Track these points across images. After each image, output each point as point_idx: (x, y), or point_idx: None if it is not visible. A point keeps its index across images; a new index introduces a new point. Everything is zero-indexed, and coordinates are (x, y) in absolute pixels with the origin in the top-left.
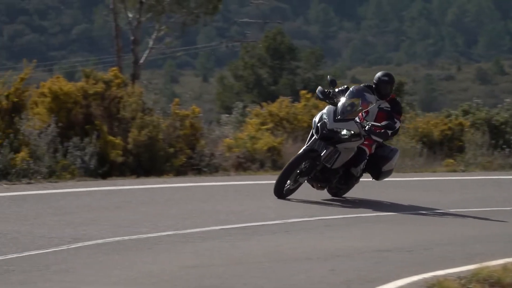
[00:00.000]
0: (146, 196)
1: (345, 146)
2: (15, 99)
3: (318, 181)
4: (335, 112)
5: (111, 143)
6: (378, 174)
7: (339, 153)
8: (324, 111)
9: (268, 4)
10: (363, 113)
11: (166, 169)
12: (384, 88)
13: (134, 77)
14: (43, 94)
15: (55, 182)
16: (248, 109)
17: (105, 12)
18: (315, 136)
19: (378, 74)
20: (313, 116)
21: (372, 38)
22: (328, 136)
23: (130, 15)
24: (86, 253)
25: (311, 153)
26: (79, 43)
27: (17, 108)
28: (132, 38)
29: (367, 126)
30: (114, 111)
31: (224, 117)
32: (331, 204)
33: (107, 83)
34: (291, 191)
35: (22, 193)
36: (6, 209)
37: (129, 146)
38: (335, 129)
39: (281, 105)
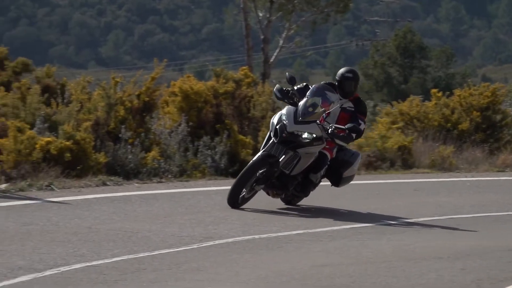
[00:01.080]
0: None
1: (306, 151)
2: (146, 99)
3: (274, 189)
4: (295, 113)
5: (241, 142)
6: (338, 180)
7: (299, 158)
8: (283, 111)
9: (398, 2)
10: (324, 114)
11: None
12: (348, 86)
13: (264, 76)
14: (173, 93)
15: (186, 181)
16: (378, 108)
17: (235, 12)
18: (273, 140)
19: (341, 70)
20: (444, 115)
21: (503, 36)
22: (288, 140)
23: (260, 14)
24: (217, 251)
25: (268, 158)
26: (209, 42)
27: (148, 107)
28: (262, 37)
29: (330, 129)
30: (244, 110)
31: None
32: (460, 204)
33: (237, 82)
34: (246, 199)
35: (153, 192)
36: (137, 207)
37: (259, 146)
38: (295, 132)
39: (412, 104)
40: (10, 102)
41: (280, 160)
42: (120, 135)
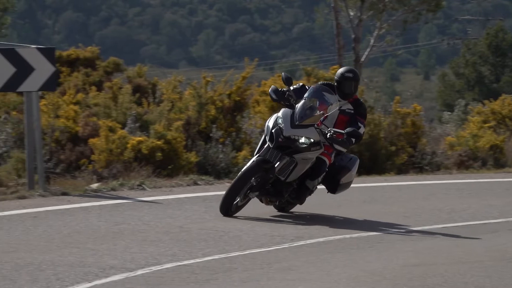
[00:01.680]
0: (367, 195)
1: (303, 157)
2: (237, 98)
3: (268, 195)
4: (292, 116)
5: None
6: (335, 187)
7: (295, 164)
8: (279, 114)
9: (490, 0)
10: (322, 117)
11: (387, 168)
12: (348, 87)
13: None
14: (264, 93)
15: None
16: (469, 107)
17: (326, 11)
18: (268, 144)
19: (341, 70)
20: None
21: None
22: (284, 145)
23: (351, 13)
24: (308, 251)
25: (263, 164)
26: (300, 41)
27: (239, 106)
28: (353, 36)
29: (329, 133)
30: None
31: (446, 115)
32: None
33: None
34: (239, 207)
35: None
36: None
37: None
38: (292, 137)
39: (504, 103)
40: (101, 102)
41: (275, 166)
42: (211, 135)
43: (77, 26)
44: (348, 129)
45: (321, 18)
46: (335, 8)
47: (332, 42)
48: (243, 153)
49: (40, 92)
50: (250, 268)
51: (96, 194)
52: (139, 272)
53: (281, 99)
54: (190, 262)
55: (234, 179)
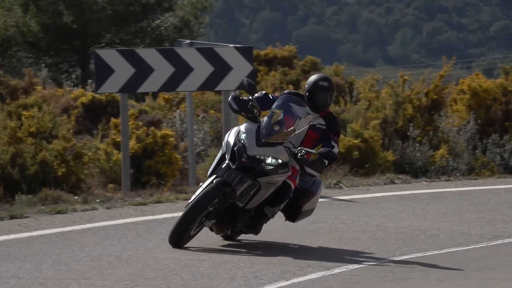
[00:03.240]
0: None
1: (268, 180)
2: (434, 96)
3: (221, 224)
4: (257, 132)
5: None
6: (296, 214)
7: (258, 188)
8: (242, 128)
9: None
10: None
11: None
12: (322, 98)
13: None
14: (462, 91)
15: (474, 179)
16: None
17: None
18: (227, 163)
19: (313, 77)
20: None
21: None
22: (248, 166)
23: None
24: (506, 250)
25: (224, 187)
26: (497, 39)
27: (436, 105)
28: None
29: (299, 153)
30: None
31: None
32: None
33: None
34: (191, 237)
35: (441, 190)
36: (425, 206)
37: None
38: (257, 157)
39: None
40: None
41: (236, 189)
42: (408, 133)
43: (274, 25)
44: (322, 149)
45: None
46: None
47: None
48: (441, 151)
49: (237, 91)
50: (447, 267)
51: None
52: (336, 270)
53: (243, 109)
54: (387, 260)
55: (188, 205)
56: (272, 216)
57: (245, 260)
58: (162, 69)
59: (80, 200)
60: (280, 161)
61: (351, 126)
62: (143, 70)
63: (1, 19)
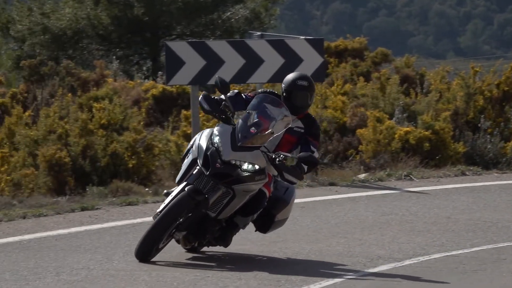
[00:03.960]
0: None
1: (244, 188)
2: (506, 88)
3: (189, 235)
4: (232, 135)
5: None
6: (269, 225)
7: (232, 196)
8: (215, 131)
9: None
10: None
11: None
12: (301, 98)
13: None
14: None
15: None
16: None
17: None
18: (198, 169)
19: (291, 76)
20: None
21: None
22: (223, 172)
23: None
24: None
25: (196, 195)
26: None
27: (507, 96)
28: None
29: (278, 158)
30: None
31: None
32: None
33: None
34: (159, 250)
35: None
36: (496, 197)
37: None
38: (233, 162)
39: None
40: (369, 92)
41: (209, 199)
42: (479, 125)
43: (345, 17)
44: (302, 154)
45: None
46: None
47: None
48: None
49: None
50: None
51: (364, 185)
52: (407, 262)
53: (215, 110)
54: (458, 252)
55: (157, 216)
56: (244, 227)
57: (315, 251)
58: (233, 61)
59: (150, 191)
60: (257, 167)
61: (422, 117)
62: (213, 62)
63: (72, 12)
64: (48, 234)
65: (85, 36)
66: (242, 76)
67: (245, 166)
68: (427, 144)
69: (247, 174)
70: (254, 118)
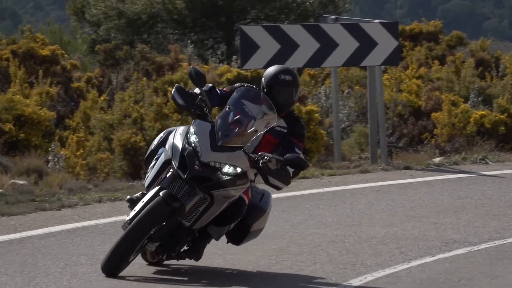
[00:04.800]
0: None
1: (224, 194)
2: None
3: (159, 246)
4: (212, 133)
5: None
6: (243, 236)
7: (210, 203)
8: (192, 129)
9: None
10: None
11: None
12: (285, 95)
13: None
14: None
15: None
16: None
17: None
18: (172, 172)
19: (272, 69)
20: None
21: None
22: (201, 176)
23: None
24: None
25: (172, 201)
26: None
27: None
28: None
29: (262, 160)
30: None
31: None
32: None
33: None
34: (128, 263)
35: None
36: None
37: None
38: (212, 164)
39: None
40: (444, 76)
41: (185, 206)
42: None
43: (419, 1)
44: (288, 155)
45: None
46: None
47: None
48: None
49: (382, 67)
50: None
51: (439, 168)
52: (482, 246)
53: (191, 105)
54: None
55: (128, 225)
56: (218, 238)
57: (390, 235)
58: (307, 45)
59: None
60: (239, 169)
61: (497, 101)
62: (288, 46)
63: None
64: (123, 218)
65: (159, 20)
66: (316, 60)
67: (226, 168)
68: (503, 128)
69: (227, 178)
70: (235, 115)
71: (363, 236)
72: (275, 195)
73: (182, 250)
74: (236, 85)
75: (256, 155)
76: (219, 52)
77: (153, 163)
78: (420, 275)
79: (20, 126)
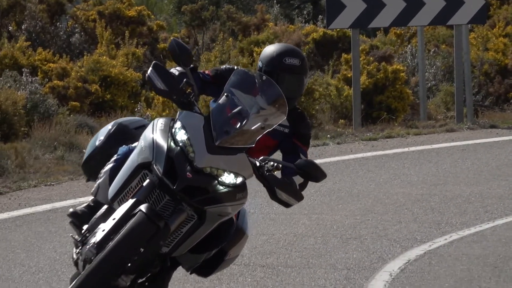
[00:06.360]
0: None
1: (220, 211)
2: None
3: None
4: (207, 128)
5: None
6: (215, 265)
7: (197, 223)
8: (178, 123)
9: None
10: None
11: None
12: (291, 84)
13: None
14: None
15: None
16: None
17: None
18: (151, 178)
19: (273, 49)
20: None
21: None
22: (197, 187)
23: None
24: None
25: (157, 219)
26: None
27: None
28: None
29: (267, 167)
30: None
31: None
32: None
33: None
34: None
35: None
36: None
37: None
38: (207, 170)
39: None
40: None
41: (169, 224)
42: None
43: None
44: (300, 161)
45: None
46: None
47: None
48: None
49: (469, 25)
50: None
51: None
52: None
53: (173, 90)
54: None
55: (103, 251)
56: (189, 269)
57: (475, 194)
58: (394, 4)
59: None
60: (240, 178)
61: None
62: (374, 5)
63: None
64: None
65: None
66: (402, 19)
67: (225, 176)
68: None
69: (226, 189)
70: (234, 105)
71: (448, 195)
72: (361, 154)
73: (139, 281)
74: (223, 67)
75: (259, 160)
76: (305, 12)
77: (110, 165)
78: (505, 233)
79: (106, 87)
